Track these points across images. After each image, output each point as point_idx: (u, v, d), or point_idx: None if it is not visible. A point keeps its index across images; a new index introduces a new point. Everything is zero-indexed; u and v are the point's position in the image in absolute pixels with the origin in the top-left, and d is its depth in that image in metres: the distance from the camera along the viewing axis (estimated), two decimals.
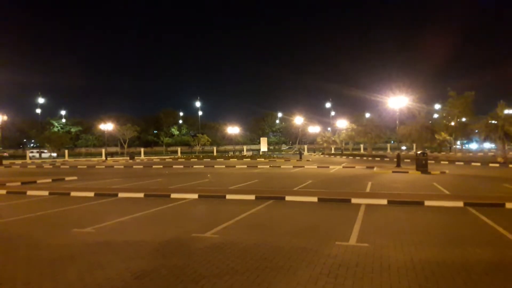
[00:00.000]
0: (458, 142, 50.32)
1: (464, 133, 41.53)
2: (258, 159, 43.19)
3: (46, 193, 14.78)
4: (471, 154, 47.08)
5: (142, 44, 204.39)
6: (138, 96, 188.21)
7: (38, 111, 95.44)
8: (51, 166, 37.44)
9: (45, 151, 71.30)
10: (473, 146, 67.29)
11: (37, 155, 67.12)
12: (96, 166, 36.28)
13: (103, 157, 54.85)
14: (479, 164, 29.83)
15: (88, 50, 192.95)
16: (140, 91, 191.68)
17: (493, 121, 31.82)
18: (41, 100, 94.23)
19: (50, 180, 20.22)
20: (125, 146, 76.85)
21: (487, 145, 56.91)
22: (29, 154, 57.01)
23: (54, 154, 68.25)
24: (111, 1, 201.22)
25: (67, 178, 21.39)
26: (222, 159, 45.51)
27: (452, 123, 40.85)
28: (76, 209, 11.35)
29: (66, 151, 61.75)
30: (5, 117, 47.28)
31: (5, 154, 57.63)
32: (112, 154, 64.81)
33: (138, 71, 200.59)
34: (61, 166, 37.17)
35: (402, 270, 5.40)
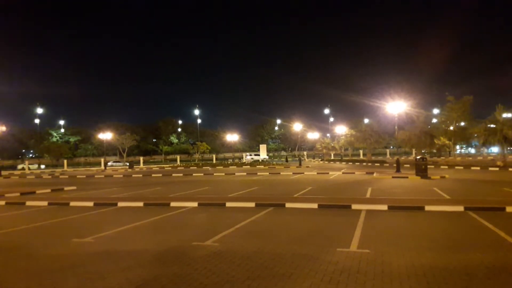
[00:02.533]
0: (458, 147, 50.35)
1: (463, 137, 41.56)
2: (257, 166, 43.17)
3: (45, 203, 14.72)
4: (470, 158, 47.08)
5: (141, 53, 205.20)
6: (137, 104, 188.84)
7: (37, 121, 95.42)
8: (50, 177, 37.37)
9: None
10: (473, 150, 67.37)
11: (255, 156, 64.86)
12: (95, 176, 36.21)
13: (102, 167, 54.79)
14: (478, 168, 29.85)
15: (87, 59, 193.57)
16: (139, 100, 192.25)
17: (492, 125, 31.85)
18: (39, 110, 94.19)
19: (49, 190, 20.16)
20: (124, 155, 76.91)
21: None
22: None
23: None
24: (108, 10, 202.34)
25: (66, 188, 21.33)
26: (222, 167, 45.47)
27: (451, 128, 40.94)
28: (76, 219, 11.31)
29: (65, 161, 61.68)
30: (3, 128, 47.33)
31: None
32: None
33: (136, 79, 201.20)
34: (60, 176, 37.10)
35: (403, 275, 5.38)
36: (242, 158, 70.66)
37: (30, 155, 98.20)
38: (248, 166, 44.00)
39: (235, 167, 44.45)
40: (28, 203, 14.94)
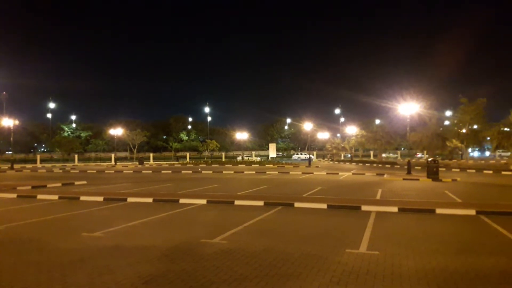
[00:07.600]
0: (470, 150, 49.63)
1: (476, 140, 40.91)
2: (266, 165, 43.11)
3: (56, 197, 14.87)
4: (483, 161, 46.44)
5: (152, 49, 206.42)
6: (148, 101, 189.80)
7: (49, 115, 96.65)
8: (61, 171, 37.76)
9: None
10: (476, 154, 65.86)
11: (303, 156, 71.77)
12: (106, 171, 36.49)
13: (113, 162, 55.21)
14: (491, 172, 29.43)
15: (99, 55, 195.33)
16: (150, 96, 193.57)
17: (505, 129, 31.37)
18: (52, 105, 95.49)
19: (60, 184, 20.36)
20: (135, 151, 77.33)
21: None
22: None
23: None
24: (122, 6, 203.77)
25: (76, 183, 21.53)
26: (231, 165, 45.51)
27: (464, 130, 40.34)
28: (86, 213, 11.40)
29: (76, 156, 62.26)
30: (16, 122, 47.83)
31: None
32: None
33: (148, 76, 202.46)
34: (71, 171, 37.47)
35: (413, 278, 5.31)
36: (252, 156, 70.47)
37: (42, 149, 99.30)
38: (257, 165, 43.97)
39: (244, 165, 44.47)
40: (39, 196, 15.10)
